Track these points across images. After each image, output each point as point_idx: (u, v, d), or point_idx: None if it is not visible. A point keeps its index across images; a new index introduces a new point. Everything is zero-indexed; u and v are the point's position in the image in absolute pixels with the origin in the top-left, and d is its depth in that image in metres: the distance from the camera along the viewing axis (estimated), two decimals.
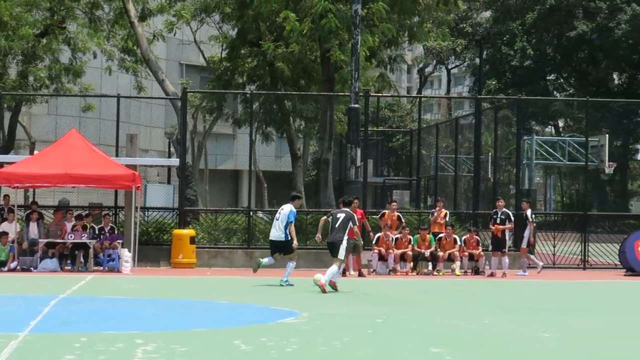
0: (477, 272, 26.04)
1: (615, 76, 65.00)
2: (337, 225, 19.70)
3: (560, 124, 68.10)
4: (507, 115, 40.23)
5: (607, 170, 47.50)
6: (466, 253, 26.06)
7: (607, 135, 43.59)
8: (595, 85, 59.87)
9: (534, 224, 26.37)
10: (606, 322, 14.88)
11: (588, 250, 29.23)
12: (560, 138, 49.67)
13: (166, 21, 37.13)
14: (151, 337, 11.75)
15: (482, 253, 26.16)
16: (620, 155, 59.49)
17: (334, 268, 19.24)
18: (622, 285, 24.22)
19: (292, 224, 20.93)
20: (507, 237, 25.64)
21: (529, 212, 26.32)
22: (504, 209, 25.75)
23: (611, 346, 12.09)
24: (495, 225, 25.36)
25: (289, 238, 20.94)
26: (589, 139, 34.81)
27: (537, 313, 15.99)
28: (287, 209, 21.04)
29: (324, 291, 18.72)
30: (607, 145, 42.44)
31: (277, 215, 21.30)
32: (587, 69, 61.71)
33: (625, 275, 26.84)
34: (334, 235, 19.65)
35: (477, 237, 26.55)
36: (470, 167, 38.77)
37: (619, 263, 28.06)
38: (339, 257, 19.42)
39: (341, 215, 19.83)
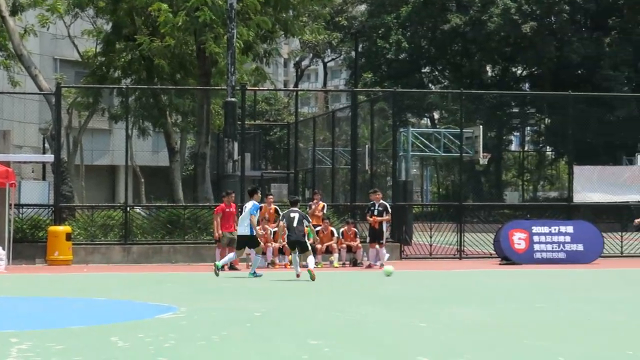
0: (355, 263, 26.24)
1: (488, 68, 66.34)
2: (294, 225, 20.94)
3: (436, 115, 69.15)
4: (383, 108, 40.64)
5: (481, 161, 48.40)
6: (344, 245, 26.24)
7: (481, 127, 44.37)
8: (469, 78, 61.00)
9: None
10: (481, 310, 15.16)
11: (464, 240, 29.75)
12: (435, 130, 50.37)
13: (39, 15, 36.38)
14: (26, 336, 11.52)
15: (360, 245, 26.37)
16: (495, 146, 60.78)
17: (311, 259, 20.98)
18: (497, 273, 24.70)
19: (254, 217, 22.11)
20: (384, 229, 25.81)
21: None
22: (382, 201, 25.94)
23: (485, 335, 12.31)
24: (373, 217, 25.53)
25: (254, 232, 22.11)
26: (464, 130, 35.36)
27: (413, 303, 16.20)
28: (249, 205, 22.32)
29: (313, 278, 20.17)
30: (481, 137, 43.19)
31: (243, 212, 22.54)
32: (461, 62, 62.84)
33: (500, 264, 27.41)
34: (295, 234, 21.00)
35: (354, 229, 26.76)
36: (348, 160, 39.05)
37: (494, 252, 28.64)
38: (308, 249, 21.07)
39: (295, 215, 21.10)
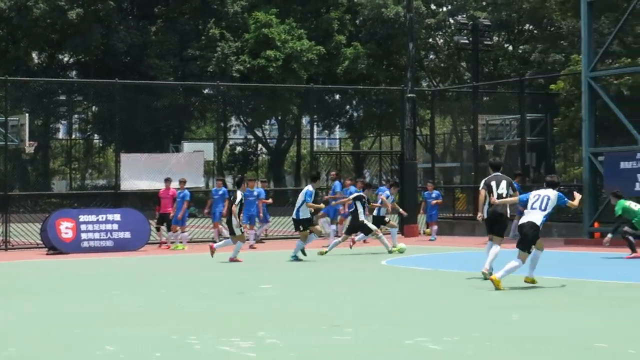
0: None
1: (34, 55, 64.96)
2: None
3: None
4: None
5: (27, 150, 47.28)
6: None
7: (27, 115, 43.35)
8: (15, 64, 59.33)
9: None
10: (31, 302, 14.85)
11: (9, 231, 28.95)
12: None
13: None
14: None
15: None
16: (42, 134, 59.68)
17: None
18: (44, 264, 24.31)
19: (308, 203, 23.57)
20: None
21: None
22: None
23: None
24: None
25: (300, 217, 23.62)
26: (9, 118, 34.35)
27: None
28: (304, 189, 24.07)
29: None
30: (27, 125, 42.18)
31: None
32: (7, 48, 60.94)
33: (47, 254, 26.98)
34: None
35: None
36: None
37: (41, 242, 28.14)
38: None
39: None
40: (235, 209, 23.26)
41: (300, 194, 23.98)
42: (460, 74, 64.70)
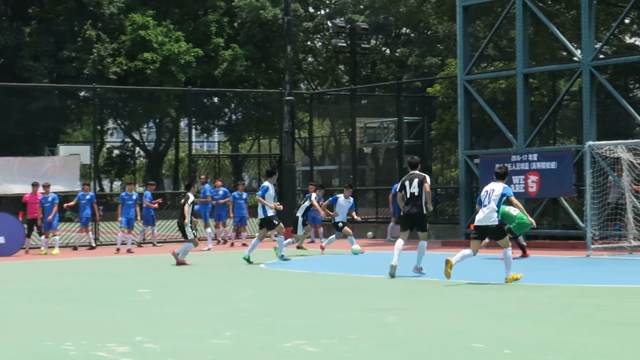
0: None
1: None
2: None
3: None
4: None
5: None
6: None
7: None
8: None
9: None
10: None
11: None
12: None
13: None
14: None
15: None
16: None
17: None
18: None
19: (259, 197, 22.76)
20: None
21: None
22: None
23: None
24: None
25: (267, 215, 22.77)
26: None
27: None
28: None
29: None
30: None
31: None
32: None
33: None
34: None
35: None
36: None
37: None
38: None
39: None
40: (187, 210, 22.71)
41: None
42: (338, 77, 65.13)
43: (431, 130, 37.87)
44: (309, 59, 67.37)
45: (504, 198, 17.01)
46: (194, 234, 23.12)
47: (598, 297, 15.03)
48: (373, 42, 60.68)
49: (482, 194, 17.27)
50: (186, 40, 57.71)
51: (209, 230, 30.50)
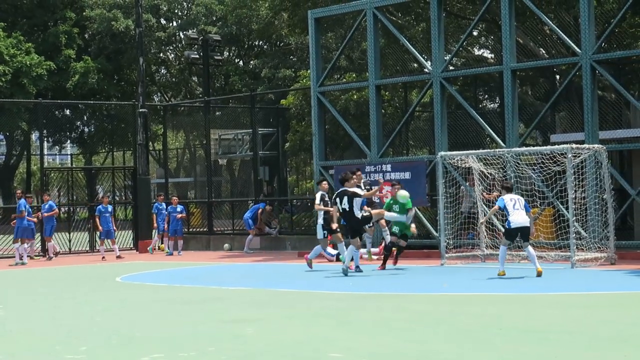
0: None
1: None
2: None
3: None
4: None
5: None
6: None
7: None
8: None
9: None
10: None
11: None
12: None
13: None
14: None
15: None
16: None
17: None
18: None
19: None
20: None
21: None
22: None
23: None
24: None
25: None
26: None
27: None
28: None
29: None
30: None
31: None
32: None
33: None
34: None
35: None
36: None
37: None
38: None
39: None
40: None
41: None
42: (192, 88, 64.76)
43: (286, 142, 38.00)
44: (162, 71, 66.77)
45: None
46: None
47: (452, 305, 15.33)
48: (226, 53, 60.55)
49: (510, 201, 19.10)
50: (36, 51, 56.43)
51: (17, 245, 29.24)
